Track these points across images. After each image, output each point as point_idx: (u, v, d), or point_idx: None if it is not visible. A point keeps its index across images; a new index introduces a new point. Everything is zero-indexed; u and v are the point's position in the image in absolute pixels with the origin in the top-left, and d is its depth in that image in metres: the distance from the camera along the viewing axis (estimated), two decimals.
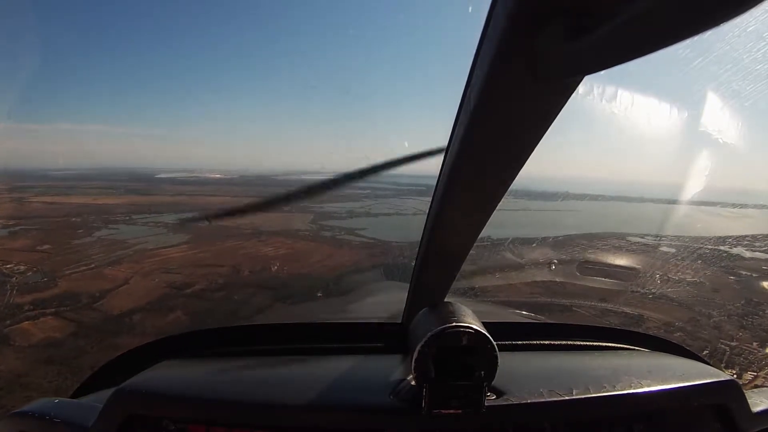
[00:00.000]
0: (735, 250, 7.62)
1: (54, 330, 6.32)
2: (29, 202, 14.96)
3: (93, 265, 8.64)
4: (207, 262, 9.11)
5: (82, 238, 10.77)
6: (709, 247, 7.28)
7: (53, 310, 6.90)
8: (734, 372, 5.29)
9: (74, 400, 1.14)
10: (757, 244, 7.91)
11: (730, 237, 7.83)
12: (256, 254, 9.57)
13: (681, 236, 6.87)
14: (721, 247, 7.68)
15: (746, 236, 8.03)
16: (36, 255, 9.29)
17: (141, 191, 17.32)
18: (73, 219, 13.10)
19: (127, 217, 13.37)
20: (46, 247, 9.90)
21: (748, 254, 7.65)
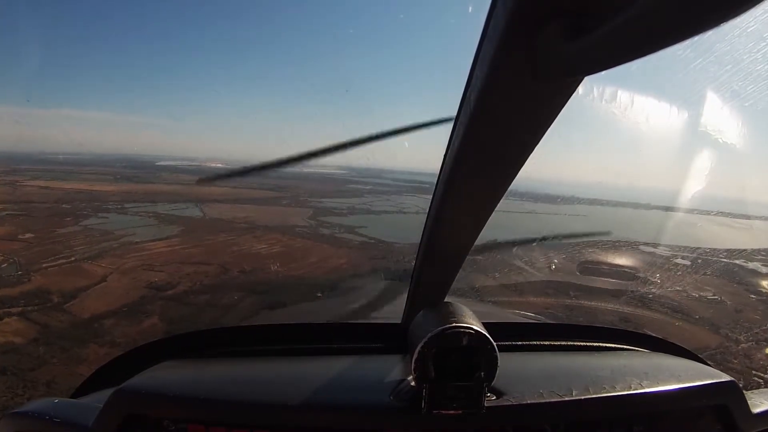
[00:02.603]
0: (751, 265, 7.37)
1: (15, 334, 5.80)
2: (23, 186, 14.51)
3: (73, 259, 8.12)
4: (194, 259, 8.55)
5: (68, 227, 10.26)
6: (724, 260, 6.81)
7: (20, 309, 6.38)
8: None
9: (74, 400, 1.12)
10: None
11: (744, 250, 7.42)
12: (248, 252, 9.04)
13: (694, 247, 6.53)
14: (737, 261, 7.27)
15: (760, 250, 7.75)
16: (16, 244, 8.78)
17: (138, 179, 16.88)
18: (64, 206, 12.62)
19: (119, 206, 12.88)
20: (28, 235, 9.38)
21: (764, 270, 7.36)
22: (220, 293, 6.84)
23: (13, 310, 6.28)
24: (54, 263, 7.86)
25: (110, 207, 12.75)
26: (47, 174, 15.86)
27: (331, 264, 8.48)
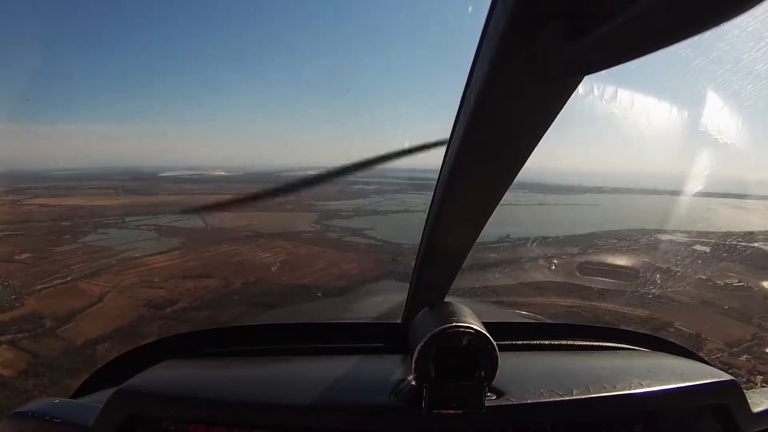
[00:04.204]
0: None
1: (3, 365, 5.44)
2: (22, 205, 14.22)
3: (69, 278, 7.76)
4: (195, 272, 8.18)
5: (66, 245, 9.91)
6: (742, 243, 6.30)
7: (10, 336, 6.00)
8: None
9: (74, 400, 1.12)
10: None
11: (763, 232, 6.92)
12: (252, 262, 8.64)
13: (708, 232, 6.21)
14: (755, 244, 6.76)
15: None
16: (12, 266, 8.43)
17: (140, 191, 16.54)
18: (63, 223, 12.28)
19: (120, 220, 12.52)
20: (25, 256, 9.02)
21: None
22: (222, 309, 6.46)
23: (3, 338, 5.93)
24: (49, 284, 7.50)
25: (110, 222, 12.40)
26: (48, 191, 15.56)
27: (340, 270, 8.07)
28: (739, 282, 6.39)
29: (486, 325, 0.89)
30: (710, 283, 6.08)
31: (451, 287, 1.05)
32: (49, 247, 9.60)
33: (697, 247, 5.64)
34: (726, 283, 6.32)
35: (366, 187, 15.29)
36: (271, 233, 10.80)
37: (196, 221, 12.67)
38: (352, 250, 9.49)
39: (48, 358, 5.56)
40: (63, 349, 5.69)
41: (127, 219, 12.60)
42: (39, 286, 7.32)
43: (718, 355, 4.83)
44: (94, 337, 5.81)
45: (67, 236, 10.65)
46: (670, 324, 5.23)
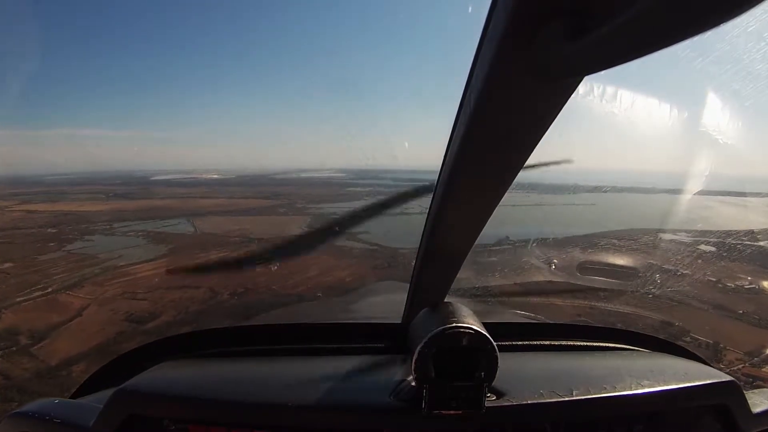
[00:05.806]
0: None
1: None
2: (11, 212, 13.87)
3: (50, 290, 7.44)
4: (181, 282, 7.90)
5: (51, 253, 9.57)
6: (747, 242, 6.12)
7: None
8: None
9: (74, 400, 1.13)
10: None
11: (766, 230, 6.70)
12: (242, 269, 8.37)
13: (711, 231, 6.04)
14: (761, 243, 6.57)
15: None
16: None
17: (131, 195, 16.21)
18: (49, 230, 11.95)
19: (107, 226, 12.18)
20: (7, 265, 8.68)
21: None
22: (207, 322, 6.17)
23: None
24: (29, 296, 7.16)
25: (97, 228, 12.04)
26: (38, 196, 15.19)
27: (333, 277, 7.81)
28: (751, 284, 6.14)
29: (486, 325, 0.89)
30: (720, 286, 5.86)
31: (451, 287, 1.05)
32: (33, 255, 9.26)
33: (702, 246, 5.45)
34: (737, 285, 6.07)
35: (360, 189, 15.09)
36: (262, 238, 10.53)
37: (185, 226, 12.39)
38: (346, 256, 9.23)
39: (20, 380, 5.26)
40: (36, 370, 5.35)
41: (115, 225, 12.28)
42: (19, 299, 6.98)
43: (740, 366, 4.58)
44: (70, 356, 5.44)
45: (52, 244, 10.30)
46: (685, 333, 4.86)
